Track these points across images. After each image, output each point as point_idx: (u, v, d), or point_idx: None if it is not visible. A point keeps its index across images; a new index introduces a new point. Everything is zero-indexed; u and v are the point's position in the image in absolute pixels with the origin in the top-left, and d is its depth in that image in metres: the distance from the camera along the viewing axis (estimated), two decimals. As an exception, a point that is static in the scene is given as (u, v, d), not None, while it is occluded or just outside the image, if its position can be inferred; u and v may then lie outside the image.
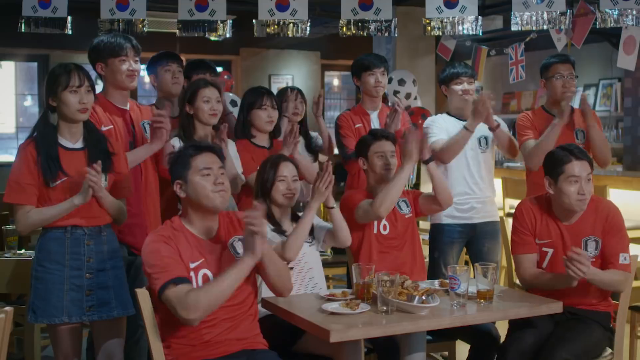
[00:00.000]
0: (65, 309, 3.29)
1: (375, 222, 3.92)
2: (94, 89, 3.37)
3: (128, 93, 3.90)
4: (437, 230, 4.54)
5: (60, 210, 3.26)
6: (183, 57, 10.25)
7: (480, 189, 4.54)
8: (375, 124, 4.68)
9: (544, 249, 3.62)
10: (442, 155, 4.41)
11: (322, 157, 4.98)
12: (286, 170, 3.67)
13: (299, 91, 4.89)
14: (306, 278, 3.66)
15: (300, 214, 3.75)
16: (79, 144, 3.36)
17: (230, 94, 5.67)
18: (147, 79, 4.82)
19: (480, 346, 3.62)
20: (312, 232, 3.74)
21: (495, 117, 4.49)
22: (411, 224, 4.02)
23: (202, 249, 3.04)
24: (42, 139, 3.28)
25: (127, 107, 3.88)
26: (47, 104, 3.34)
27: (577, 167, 3.46)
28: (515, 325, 3.55)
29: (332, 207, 3.70)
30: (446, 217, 4.48)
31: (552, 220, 3.63)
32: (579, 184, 3.45)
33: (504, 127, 4.56)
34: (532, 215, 3.67)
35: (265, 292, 3.42)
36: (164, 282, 2.87)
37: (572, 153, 3.50)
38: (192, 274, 2.98)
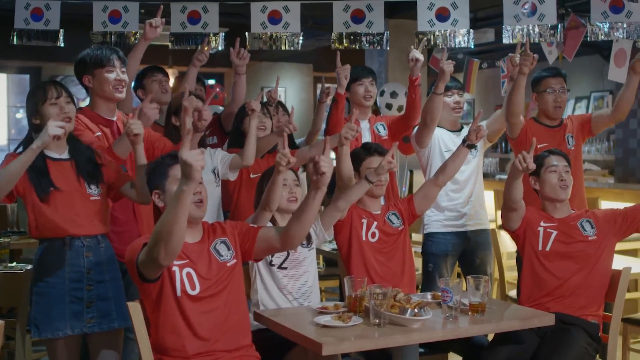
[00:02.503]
0: (67, 322, 3.28)
1: (364, 230, 3.90)
2: (73, 100, 3.36)
3: (115, 105, 3.88)
4: (430, 241, 4.54)
5: (21, 158, 3.10)
6: (176, 70, 10.26)
7: (470, 192, 4.55)
8: (365, 132, 4.69)
9: (549, 229, 3.80)
10: (424, 118, 4.43)
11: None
12: (286, 175, 3.65)
13: (280, 103, 4.94)
14: (300, 280, 3.63)
15: None
16: (65, 155, 3.36)
17: (221, 108, 5.68)
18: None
19: (472, 359, 3.62)
20: (308, 236, 3.72)
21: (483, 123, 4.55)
22: (402, 236, 3.99)
23: (187, 251, 3.03)
24: None
25: (114, 118, 3.86)
26: (30, 124, 3.33)
27: (554, 159, 3.87)
28: (498, 336, 3.57)
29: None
30: (440, 225, 4.49)
31: (549, 216, 3.86)
32: (558, 172, 3.82)
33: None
34: (534, 211, 3.90)
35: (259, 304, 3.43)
36: (139, 250, 2.86)
37: (549, 151, 3.95)
38: (176, 269, 2.97)
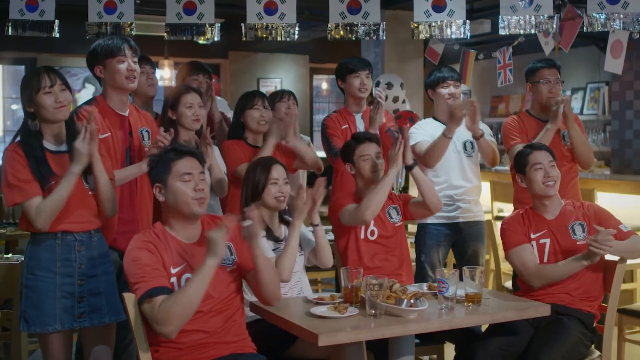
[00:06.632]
0: (57, 317, 3.26)
1: (363, 228, 3.92)
2: (68, 87, 3.32)
3: (128, 98, 3.86)
4: (422, 232, 4.56)
5: (65, 186, 3.17)
6: (171, 61, 10.22)
7: (465, 192, 4.56)
8: (360, 125, 4.70)
9: (542, 240, 3.73)
10: (424, 160, 4.45)
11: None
12: (277, 173, 3.66)
13: (291, 94, 4.92)
14: (295, 286, 3.65)
15: (287, 217, 3.76)
16: (63, 147, 3.33)
17: (219, 98, 5.67)
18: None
19: (465, 345, 3.62)
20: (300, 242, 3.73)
21: (480, 125, 4.50)
22: (400, 232, 4.01)
23: (185, 253, 3.03)
24: (27, 147, 3.23)
25: (127, 113, 3.81)
26: (25, 111, 3.30)
27: (538, 156, 3.79)
28: (492, 327, 3.57)
29: (317, 225, 3.70)
30: (432, 217, 4.50)
31: (538, 217, 3.80)
32: (543, 169, 3.75)
33: (487, 136, 4.56)
34: (519, 220, 3.81)
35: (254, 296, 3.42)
36: (142, 294, 2.85)
37: (531, 146, 3.91)
38: (174, 279, 2.96)
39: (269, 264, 3.13)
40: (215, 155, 4.19)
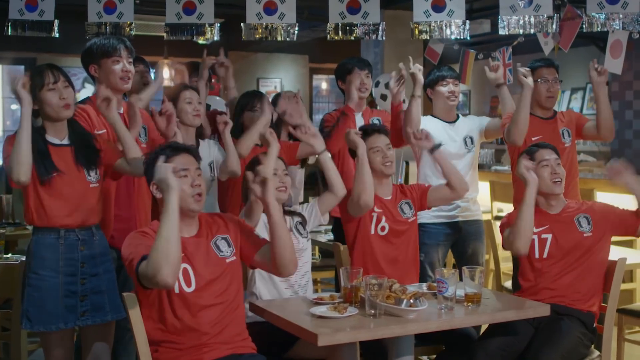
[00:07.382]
0: (61, 315, 3.27)
1: (373, 223, 3.88)
2: (72, 85, 3.35)
3: (122, 96, 3.86)
4: (422, 231, 4.54)
5: (23, 130, 3.14)
6: (171, 61, 10.21)
7: None
8: (359, 123, 4.69)
9: (543, 235, 3.74)
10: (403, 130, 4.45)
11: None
12: (275, 164, 3.65)
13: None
14: (300, 271, 3.62)
15: (289, 208, 3.77)
16: (65, 141, 3.35)
17: (217, 98, 5.67)
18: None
19: (459, 347, 3.61)
20: (305, 225, 3.74)
21: (476, 118, 4.49)
22: (412, 227, 3.98)
23: (182, 246, 3.02)
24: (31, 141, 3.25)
25: (121, 111, 3.82)
26: None
27: (544, 153, 3.81)
28: (492, 327, 3.57)
29: (322, 152, 3.71)
30: (431, 216, 4.50)
31: (541, 212, 3.79)
32: (550, 167, 3.77)
33: (487, 118, 4.63)
34: None
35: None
36: (138, 260, 2.83)
37: (537, 145, 3.92)
38: None
39: (285, 229, 3.10)
40: (215, 149, 4.23)
